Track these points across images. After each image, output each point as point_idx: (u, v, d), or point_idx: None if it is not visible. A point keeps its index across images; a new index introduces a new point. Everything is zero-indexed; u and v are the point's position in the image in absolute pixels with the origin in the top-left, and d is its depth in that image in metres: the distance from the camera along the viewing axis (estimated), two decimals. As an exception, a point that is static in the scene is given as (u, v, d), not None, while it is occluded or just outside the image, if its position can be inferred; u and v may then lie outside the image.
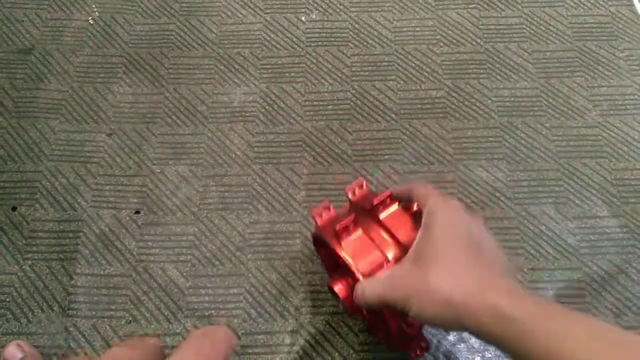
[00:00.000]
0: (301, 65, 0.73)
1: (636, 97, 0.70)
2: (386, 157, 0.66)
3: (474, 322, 0.33)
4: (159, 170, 0.65)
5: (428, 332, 0.56)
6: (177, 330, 0.56)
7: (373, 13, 0.77)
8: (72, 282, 0.59)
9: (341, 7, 0.78)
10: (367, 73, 0.72)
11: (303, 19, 0.77)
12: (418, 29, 0.76)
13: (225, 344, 0.27)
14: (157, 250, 0.60)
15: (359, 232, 0.45)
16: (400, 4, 0.78)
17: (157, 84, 0.71)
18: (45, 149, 0.66)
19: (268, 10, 0.77)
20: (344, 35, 0.75)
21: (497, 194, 0.64)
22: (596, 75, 0.72)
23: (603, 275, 0.59)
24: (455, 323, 0.34)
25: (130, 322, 0.57)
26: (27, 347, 0.26)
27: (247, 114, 0.69)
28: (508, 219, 0.62)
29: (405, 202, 0.46)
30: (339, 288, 0.49)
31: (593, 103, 0.70)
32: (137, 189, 0.64)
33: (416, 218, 0.45)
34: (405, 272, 0.38)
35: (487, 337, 0.33)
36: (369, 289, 0.39)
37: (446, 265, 0.36)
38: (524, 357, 0.31)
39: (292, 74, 0.72)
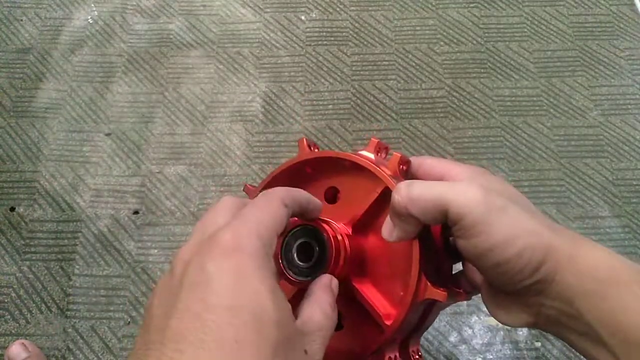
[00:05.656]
0: (301, 64, 0.72)
1: (637, 96, 0.70)
2: (386, 157, 0.66)
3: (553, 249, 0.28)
4: (157, 171, 0.65)
5: (429, 333, 0.56)
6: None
7: (373, 12, 0.77)
8: (71, 283, 0.58)
9: (341, 6, 0.77)
10: (367, 72, 0.72)
11: (303, 18, 0.76)
12: (418, 28, 0.75)
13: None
14: (155, 250, 0.60)
15: None
16: (401, 2, 0.77)
17: (156, 84, 0.71)
18: (43, 149, 0.66)
19: (268, 9, 0.77)
20: (344, 34, 0.75)
21: (498, 194, 0.63)
22: (597, 75, 0.71)
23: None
24: (529, 247, 0.28)
25: (129, 324, 0.56)
26: (31, 347, 0.25)
27: (247, 114, 0.69)
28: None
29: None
30: None
31: (594, 102, 0.70)
32: (136, 189, 0.64)
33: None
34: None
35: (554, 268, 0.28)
36: (424, 188, 0.29)
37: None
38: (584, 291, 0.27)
39: (292, 73, 0.72)
